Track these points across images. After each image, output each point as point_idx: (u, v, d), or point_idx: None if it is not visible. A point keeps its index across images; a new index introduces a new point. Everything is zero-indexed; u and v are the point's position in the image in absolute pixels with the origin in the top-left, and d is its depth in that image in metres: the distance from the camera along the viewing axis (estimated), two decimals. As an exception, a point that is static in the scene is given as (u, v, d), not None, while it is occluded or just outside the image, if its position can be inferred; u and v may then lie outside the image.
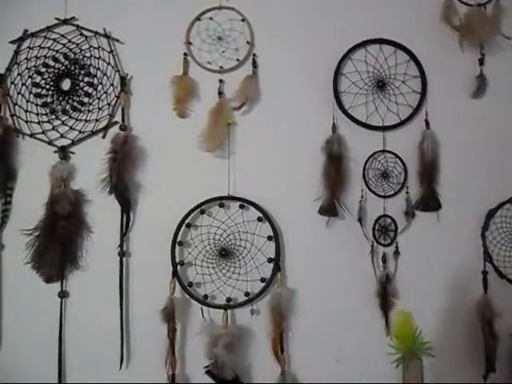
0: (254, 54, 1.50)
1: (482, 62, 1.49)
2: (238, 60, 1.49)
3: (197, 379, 1.44)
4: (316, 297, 1.46)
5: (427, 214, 1.47)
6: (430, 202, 1.47)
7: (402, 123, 1.49)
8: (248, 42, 1.50)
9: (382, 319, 1.46)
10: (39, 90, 1.51)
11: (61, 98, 1.50)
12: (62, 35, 1.51)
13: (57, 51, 1.51)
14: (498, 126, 1.49)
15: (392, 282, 1.46)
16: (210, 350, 1.39)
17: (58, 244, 1.45)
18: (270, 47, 1.50)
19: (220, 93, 1.49)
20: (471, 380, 1.44)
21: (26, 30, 1.51)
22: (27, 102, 1.51)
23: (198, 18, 1.51)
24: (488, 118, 1.49)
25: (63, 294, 1.47)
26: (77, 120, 1.50)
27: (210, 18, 1.51)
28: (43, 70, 1.50)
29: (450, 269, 1.46)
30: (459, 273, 1.46)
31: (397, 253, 1.47)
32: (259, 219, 1.46)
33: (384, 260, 1.46)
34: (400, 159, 1.48)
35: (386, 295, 1.45)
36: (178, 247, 1.45)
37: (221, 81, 1.49)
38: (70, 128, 1.50)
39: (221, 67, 1.50)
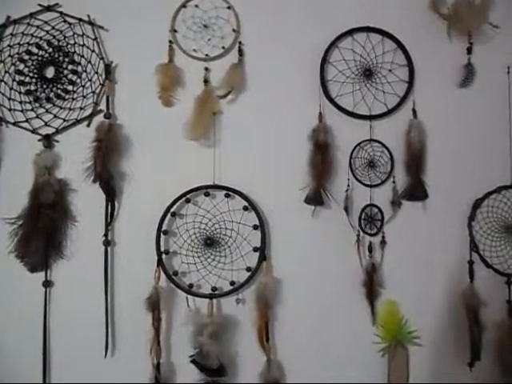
0: (240, 42, 1.49)
1: (469, 50, 1.48)
2: (223, 48, 1.48)
3: (182, 368, 1.44)
4: (302, 286, 1.46)
5: (414, 203, 1.47)
6: (416, 191, 1.47)
7: (389, 112, 1.48)
8: (234, 30, 1.48)
9: (368, 308, 1.45)
10: (22, 78, 1.49)
11: (45, 86, 1.49)
12: (46, 22, 1.49)
13: (40, 38, 1.49)
14: (486, 116, 1.48)
15: (378, 271, 1.46)
16: (195, 339, 1.39)
17: (42, 233, 1.44)
18: (256, 35, 1.49)
19: (206, 81, 1.48)
20: (457, 368, 1.45)
21: (8, 17, 1.50)
22: (10, 89, 1.49)
23: (183, 5, 1.49)
24: (475, 107, 1.48)
25: (47, 284, 1.47)
26: (61, 108, 1.49)
27: (196, 6, 1.49)
28: (26, 57, 1.49)
29: (437, 258, 1.46)
30: (445, 262, 1.46)
31: (383, 242, 1.47)
32: (245, 208, 1.45)
33: (370, 249, 1.46)
34: (387, 148, 1.47)
35: (372, 284, 1.45)
36: (163, 236, 1.45)
37: (206, 69, 1.48)
38: (54, 116, 1.49)
39: (206, 55, 1.48)
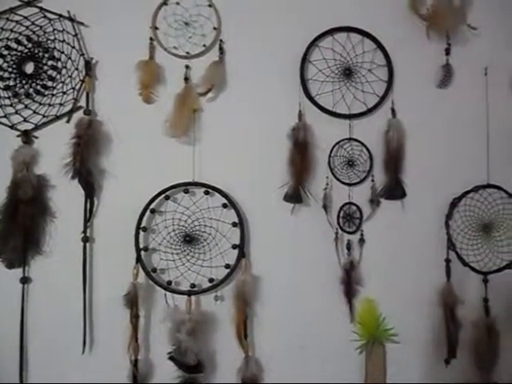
0: (221, 40, 1.49)
1: (448, 51, 1.50)
2: (204, 46, 1.48)
3: (160, 365, 1.44)
4: (280, 283, 1.47)
5: (392, 202, 1.49)
6: (394, 190, 1.49)
7: (369, 111, 1.49)
8: (215, 28, 1.48)
9: (346, 306, 1.47)
10: (1, 73, 1.48)
11: (24, 82, 1.48)
12: (25, 17, 1.48)
13: (20, 33, 1.48)
14: (463, 116, 1.50)
15: (356, 269, 1.47)
16: (174, 336, 1.39)
17: (21, 229, 1.43)
18: (237, 33, 1.49)
19: (186, 79, 1.48)
20: (433, 365, 1.46)
21: (-13, 12, 1.49)
22: (-11, 85, 1.49)
23: (164, 3, 1.49)
24: (453, 107, 1.50)
25: (25, 280, 1.46)
26: (40, 104, 1.48)
27: (177, 3, 1.49)
28: (5, 52, 1.48)
29: (414, 256, 1.48)
30: (423, 260, 1.48)
31: (362, 240, 1.48)
32: (224, 205, 1.45)
33: (348, 247, 1.48)
34: (366, 147, 1.49)
35: (350, 282, 1.46)
36: (142, 233, 1.45)
37: (187, 66, 1.48)
38: (34, 112, 1.48)
39: (187, 53, 1.48)
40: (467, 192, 1.49)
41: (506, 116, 1.50)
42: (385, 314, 1.47)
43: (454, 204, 1.49)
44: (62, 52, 1.48)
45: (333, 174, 1.48)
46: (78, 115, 1.47)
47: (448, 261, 1.48)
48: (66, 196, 1.47)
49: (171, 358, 1.40)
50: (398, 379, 1.47)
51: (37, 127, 1.48)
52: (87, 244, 1.46)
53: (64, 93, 1.48)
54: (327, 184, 1.48)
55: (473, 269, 1.49)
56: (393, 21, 1.49)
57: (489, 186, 1.49)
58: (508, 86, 1.51)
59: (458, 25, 1.50)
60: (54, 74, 1.49)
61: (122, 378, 1.42)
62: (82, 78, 1.48)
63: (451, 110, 1.50)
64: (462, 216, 1.50)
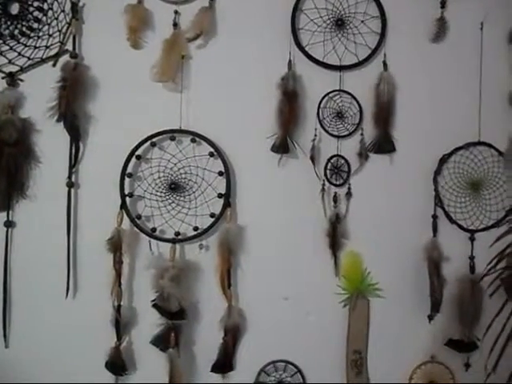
0: (211, -14, 1.47)
1: (443, 4, 1.47)
2: (194, -9, 1.46)
3: (143, 312, 1.44)
4: (265, 234, 1.46)
5: (381, 156, 1.47)
6: (384, 144, 1.47)
7: (360, 64, 1.47)
8: (205, -27, 1.46)
9: (331, 259, 1.46)
10: (-15, 13, 1.46)
11: (9, 23, 1.45)
12: (11, -44, 1.45)
13: (4, -27, 1.45)
14: (456, 71, 1.48)
15: (342, 222, 1.47)
16: (157, 282, 1.39)
17: (5, 173, 1.42)
18: (227, -21, 1.47)
19: (175, 24, 1.45)
20: (416, 320, 1.47)
21: (-29, -49, 1.46)
22: (-28, 26, 1.46)
23: None
24: (446, 62, 1.48)
25: (9, 224, 1.45)
26: (26, 46, 1.45)
27: None
28: (-10, -8, 1.46)
29: (401, 211, 1.47)
30: (410, 216, 1.47)
31: (349, 194, 1.47)
32: (211, 154, 1.44)
33: (335, 200, 1.47)
34: (356, 100, 1.47)
35: (335, 235, 1.45)
36: (127, 179, 1.44)
37: (176, 12, 1.45)
38: (19, 54, 1.45)
39: (177, -2, 1.46)
40: (457, 149, 1.48)
41: (500, 72, 1.48)
42: (370, 268, 1.47)
43: (444, 160, 1.48)
44: (48, -7, 1.46)
45: (321, 125, 1.46)
46: (65, 59, 1.44)
47: (435, 217, 1.47)
48: (51, 140, 1.46)
49: (155, 306, 1.40)
50: (381, 333, 1.47)
51: (22, 70, 1.46)
52: (72, 189, 1.45)
53: (50, 35, 1.45)
54: (315, 135, 1.46)
55: (460, 226, 1.48)
56: (388, -29, 1.47)
57: (480, 143, 1.48)
58: (503, 42, 1.48)
59: (455, -23, 1.47)
60: (39, 15, 1.45)
61: (105, 322, 1.41)
62: (68, 20, 1.45)
63: (444, 64, 1.48)
64: (451, 173, 1.49)
